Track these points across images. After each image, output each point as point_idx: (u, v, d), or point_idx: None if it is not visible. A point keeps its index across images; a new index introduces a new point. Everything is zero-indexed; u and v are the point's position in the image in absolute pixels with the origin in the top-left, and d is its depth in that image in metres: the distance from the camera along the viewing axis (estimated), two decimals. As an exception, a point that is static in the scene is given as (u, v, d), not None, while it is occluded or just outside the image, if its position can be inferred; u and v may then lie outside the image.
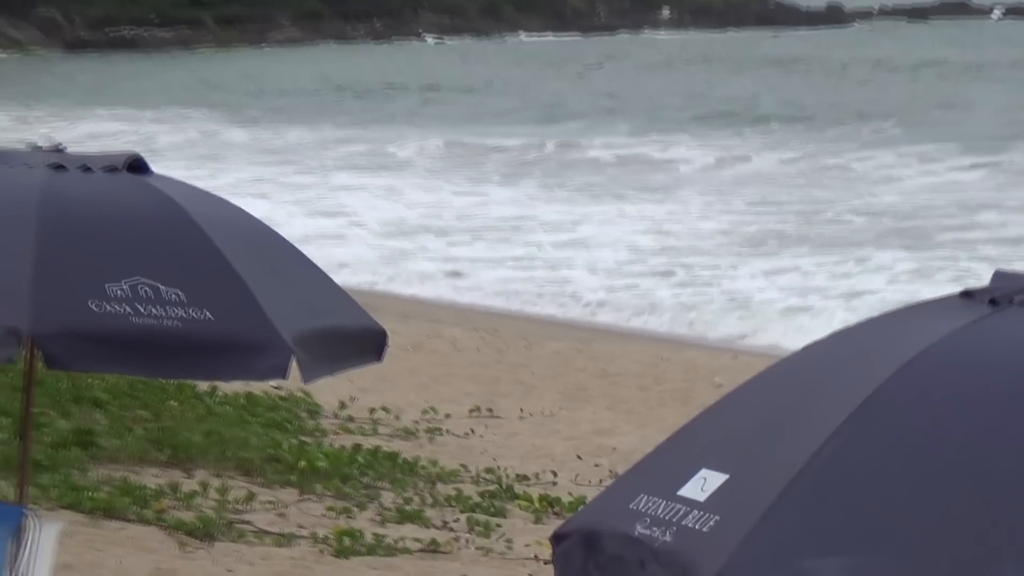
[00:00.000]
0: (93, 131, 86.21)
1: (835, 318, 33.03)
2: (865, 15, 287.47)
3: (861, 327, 5.52)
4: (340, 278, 10.00)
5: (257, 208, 13.01)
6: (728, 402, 5.41)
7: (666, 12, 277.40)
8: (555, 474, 20.10)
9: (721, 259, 44.51)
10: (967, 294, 5.26)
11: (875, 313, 5.66)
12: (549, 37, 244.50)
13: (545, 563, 17.50)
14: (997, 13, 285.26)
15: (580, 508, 17.59)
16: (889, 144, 76.50)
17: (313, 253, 9.91)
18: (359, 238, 47.82)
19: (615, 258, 44.58)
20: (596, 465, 20.78)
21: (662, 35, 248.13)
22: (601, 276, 41.78)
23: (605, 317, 35.89)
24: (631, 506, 5.10)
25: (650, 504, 5.05)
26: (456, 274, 41.62)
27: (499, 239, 48.78)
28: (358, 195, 59.93)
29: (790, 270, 42.17)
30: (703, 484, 5.00)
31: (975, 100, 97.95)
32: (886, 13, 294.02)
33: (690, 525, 5.01)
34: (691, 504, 4.99)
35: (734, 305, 38.02)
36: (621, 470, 19.87)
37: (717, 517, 4.94)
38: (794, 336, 31.52)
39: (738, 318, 36.15)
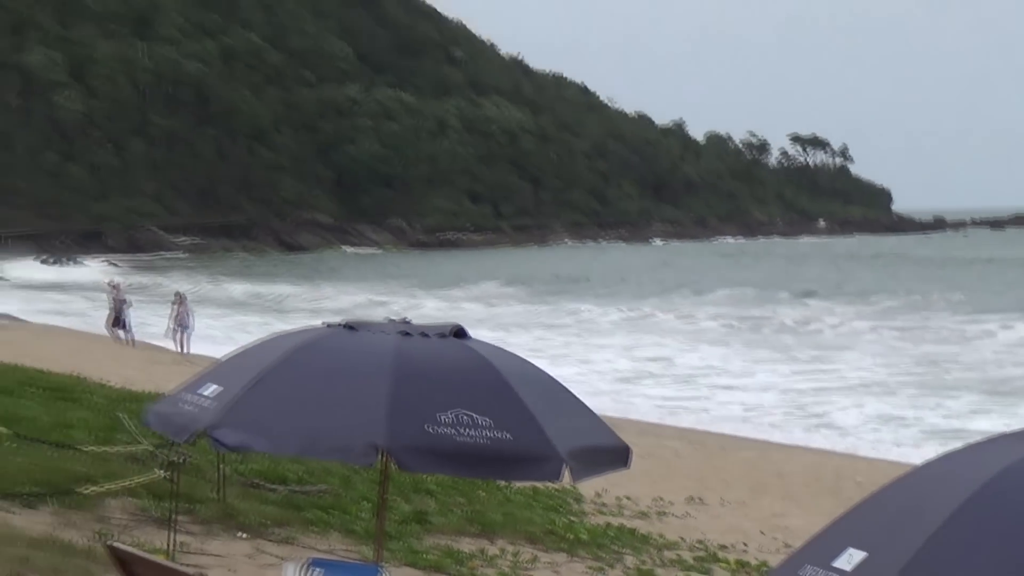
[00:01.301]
0: (427, 306, 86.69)
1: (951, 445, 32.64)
2: (960, 225, 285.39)
3: (967, 449, 5.47)
4: (595, 405, 9.99)
5: (538, 359, 13.04)
6: (871, 498, 5.39)
7: (822, 222, 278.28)
8: (746, 545, 20.04)
9: (859, 397, 44.04)
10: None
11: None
12: (741, 240, 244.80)
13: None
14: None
15: (765, 571, 17.45)
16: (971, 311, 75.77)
17: (576, 389, 9.94)
18: (604, 378, 47.70)
19: (781, 395, 44.29)
20: (774, 539, 20.69)
21: (820, 239, 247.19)
22: (773, 406, 41.58)
23: (778, 435, 35.62)
24: (799, 572, 5.10)
25: (812, 571, 5.05)
26: (680, 407, 41.50)
27: (708, 380, 48.59)
28: (615, 349, 59.85)
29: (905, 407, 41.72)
30: (850, 558, 4.99)
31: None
32: (975, 223, 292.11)
33: (839, 590, 5.04)
34: (840, 573, 4.98)
35: (869, 428, 37.68)
36: (793, 544, 19.72)
37: (859, 584, 4.97)
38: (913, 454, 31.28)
39: (872, 441, 35.76)
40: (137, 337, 57.35)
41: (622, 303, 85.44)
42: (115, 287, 66.87)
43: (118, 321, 58.87)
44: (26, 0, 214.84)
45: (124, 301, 61.19)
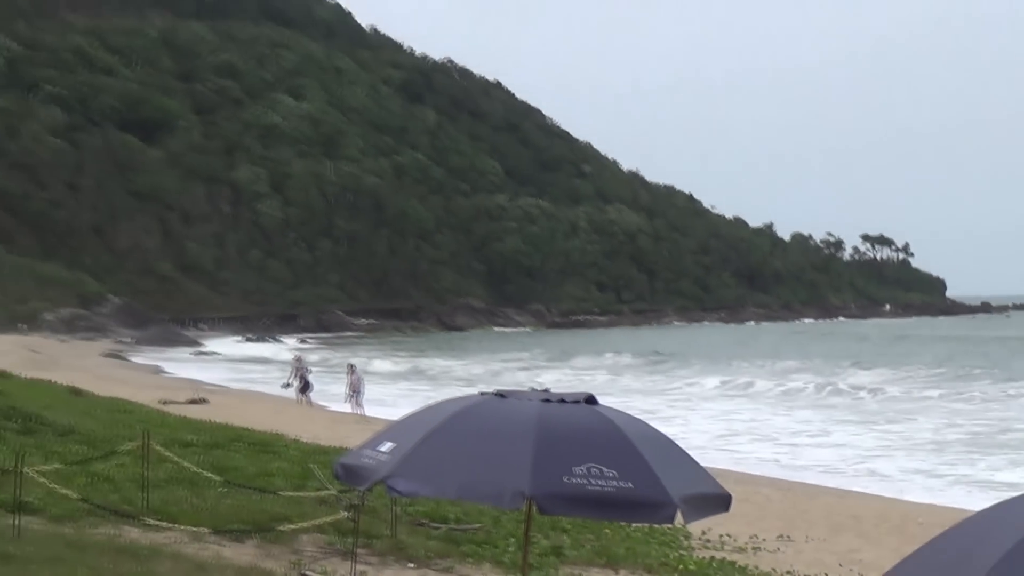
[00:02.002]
0: (563, 375, 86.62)
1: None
2: (1003, 308, 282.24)
3: (1014, 499, 5.37)
4: (700, 459, 9.94)
5: (654, 420, 13.00)
6: (934, 541, 5.30)
7: (887, 306, 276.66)
8: (827, 575, 19.78)
9: (919, 453, 43.56)
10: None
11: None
12: (820, 321, 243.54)
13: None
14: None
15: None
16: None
17: (684, 445, 9.91)
18: (706, 436, 47.42)
19: (854, 450, 43.88)
20: (850, 571, 20.43)
21: (886, 320, 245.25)
22: (848, 459, 41.22)
23: (852, 483, 35.24)
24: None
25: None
26: (770, 460, 41.20)
27: (793, 438, 48.20)
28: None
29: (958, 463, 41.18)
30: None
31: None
32: (1016, 307, 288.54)
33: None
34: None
35: (924, 476, 37.25)
36: (866, 574, 19.47)
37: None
38: (964, 501, 30.88)
39: (930, 488, 35.30)
40: (322, 401, 57.70)
41: (722, 373, 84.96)
42: (298, 359, 67.58)
43: (305, 387, 59.40)
44: (236, 128, 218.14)
45: (308, 370, 61.77)
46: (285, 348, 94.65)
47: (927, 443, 45.69)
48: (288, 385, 59.56)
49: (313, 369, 65.78)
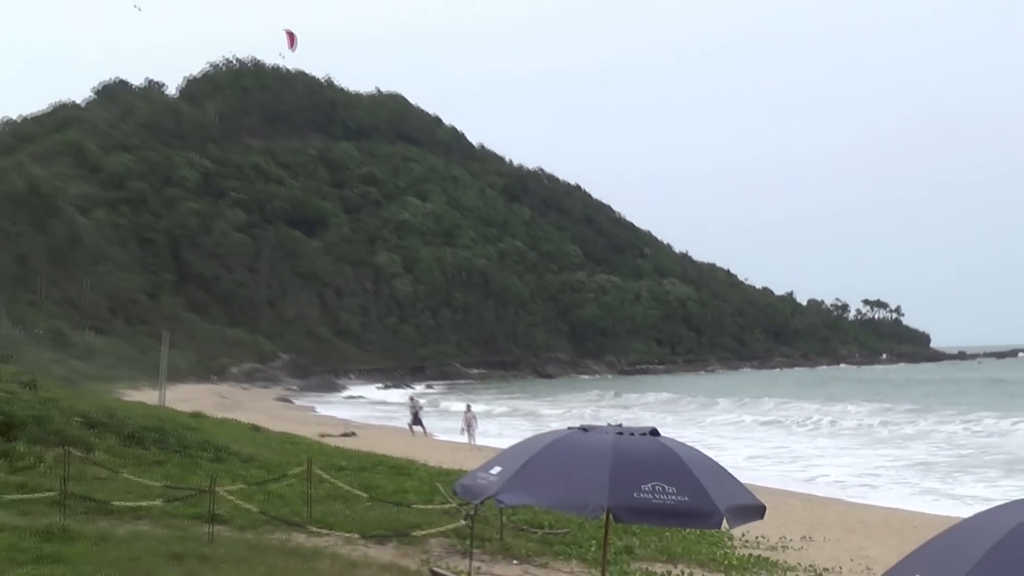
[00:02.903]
0: (632, 410, 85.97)
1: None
2: (976, 356, 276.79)
3: (994, 508, 5.26)
4: (739, 477, 9.80)
5: (702, 446, 12.83)
6: (931, 541, 5.21)
7: (884, 355, 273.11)
8: (840, 568, 19.41)
9: (916, 471, 42.78)
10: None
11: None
12: (832, 366, 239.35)
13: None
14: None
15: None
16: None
17: (727, 466, 9.77)
18: (744, 457, 46.77)
19: (860, 469, 43.14)
20: (859, 564, 20.00)
21: (882, 366, 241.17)
22: (855, 476, 40.54)
23: (860, 496, 34.61)
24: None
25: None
26: (794, 477, 40.56)
27: (810, 460, 47.47)
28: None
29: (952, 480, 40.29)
30: (916, 582, 4.84)
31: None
32: (986, 355, 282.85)
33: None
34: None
35: (922, 490, 36.53)
36: (873, 568, 19.10)
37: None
38: (954, 510, 30.27)
39: (924, 500, 34.61)
40: (443, 435, 57.63)
41: (753, 409, 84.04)
42: (412, 399, 67.87)
43: (416, 421, 59.53)
44: (376, 223, 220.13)
45: (420, 408, 61.88)
46: (412, 393, 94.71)
47: (917, 463, 44.85)
48: (413, 424, 59.70)
49: (425, 407, 65.78)
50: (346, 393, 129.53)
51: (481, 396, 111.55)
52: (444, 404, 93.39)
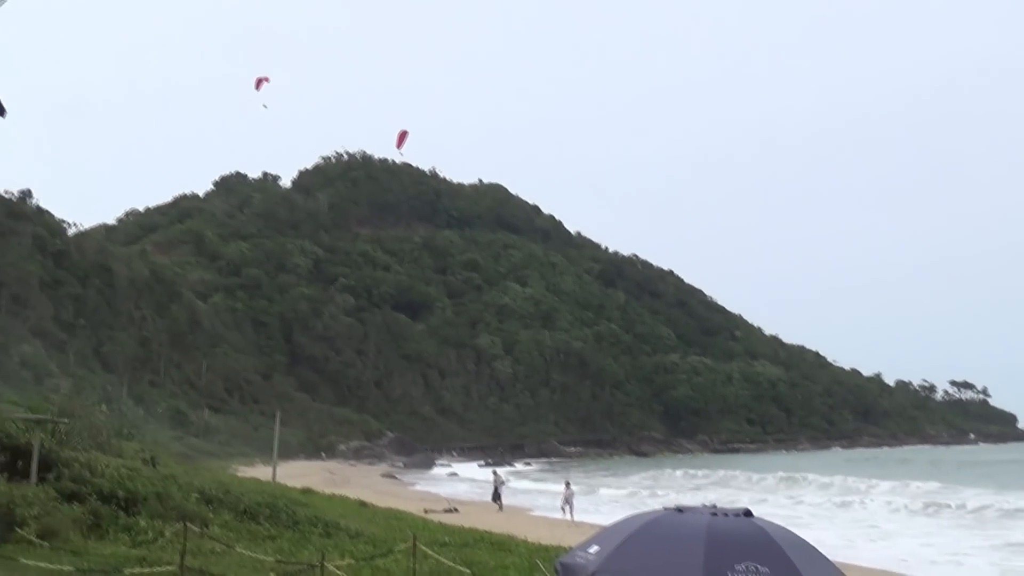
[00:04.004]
0: (723, 493, 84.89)
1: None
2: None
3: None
4: (829, 556, 9.63)
5: (793, 526, 12.62)
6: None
7: (971, 435, 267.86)
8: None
9: (999, 553, 41.55)
10: None
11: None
12: (919, 446, 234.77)
13: None
14: None
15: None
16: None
17: (817, 545, 9.61)
18: (833, 536, 45.85)
19: (926, 548, 42.04)
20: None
21: (970, 447, 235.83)
22: (922, 553, 39.55)
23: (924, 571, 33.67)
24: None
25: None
26: (877, 556, 39.74)
27: (899, 542, 46.43)
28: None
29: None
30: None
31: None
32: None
33: None
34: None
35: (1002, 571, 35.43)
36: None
37: None
38: None
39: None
40: (541, 512, 57.27)
41: (841, 489, 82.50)
42: (495, 473, 67.70)
43: (496, 495, 59.41)
44: (478, 307, 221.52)
45: (502, 483, 61.74)
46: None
47: (1004, 545, 43.58)
48: (494, 498, 59.63)
49: (508, 483, 65.59)
50: (448, 470, 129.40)
51: (578, 473, 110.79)
52: (542, 482, 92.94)
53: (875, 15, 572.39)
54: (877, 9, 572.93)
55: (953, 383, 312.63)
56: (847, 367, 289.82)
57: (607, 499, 73.19)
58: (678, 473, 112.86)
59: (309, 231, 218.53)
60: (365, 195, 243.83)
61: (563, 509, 53.09)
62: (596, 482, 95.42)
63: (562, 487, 56.76)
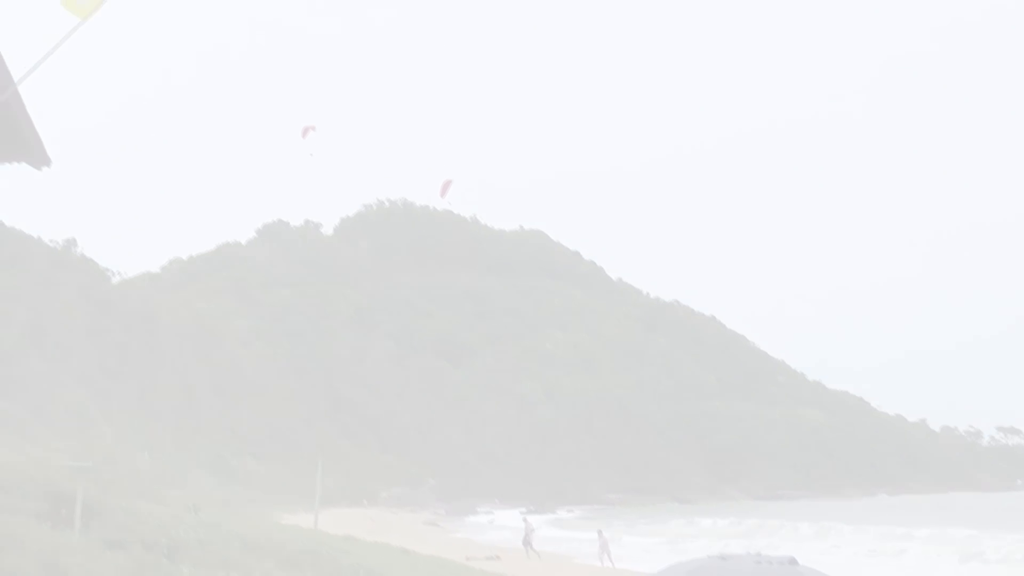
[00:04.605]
0: (767, 540, 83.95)
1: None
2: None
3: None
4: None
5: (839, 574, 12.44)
6: None
7: (1019, 481, 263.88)
8: None
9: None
10: None
11: None
12: (965, 493, 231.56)
13: None
14: None
15: None
16: None
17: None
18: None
19: None
20: None
21: (1019, 492, 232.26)
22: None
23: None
24: None
25: None
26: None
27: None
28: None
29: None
30: None
31: None
32: None
33: None
34: None
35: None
36: None
37: None
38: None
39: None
40: (583, 559, 57.03)
41: (891, 540, 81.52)
42: (526, 520, 67.86)
43: (526, 541, 59.47)
44: (519, 354, 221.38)
45: (533, 530, 61.80)
46: (557, 518, 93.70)
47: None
48: (525, 543, 59.73)
49: (536, 531, 65.64)
50: (490, 517, 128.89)
51: (620, 520, 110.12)
52: (583, 530, 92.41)
53: None
54: None
55: (1000, 429, 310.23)
56: (891, 412, 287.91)
57: (649, 547, 72.70)
58: (721, 520, 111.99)
59: (351, 278, 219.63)
60: (406, 242, 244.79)
61: (601, 558, 52.92)
62: (638, 529, 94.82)
63: (595, 535, 56.69)
